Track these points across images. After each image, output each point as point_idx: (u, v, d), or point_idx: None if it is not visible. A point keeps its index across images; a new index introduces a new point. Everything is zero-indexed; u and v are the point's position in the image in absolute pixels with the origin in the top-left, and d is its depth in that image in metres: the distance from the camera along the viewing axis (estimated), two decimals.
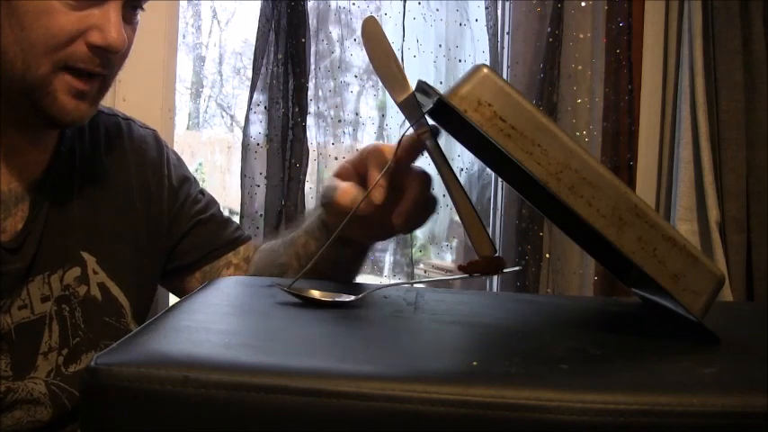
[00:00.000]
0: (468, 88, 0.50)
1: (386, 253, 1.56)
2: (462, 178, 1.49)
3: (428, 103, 0.61)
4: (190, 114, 1.66)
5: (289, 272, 0.81)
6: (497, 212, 1.52)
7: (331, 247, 0.76)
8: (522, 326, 0.58)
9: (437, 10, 1.47)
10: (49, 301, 0.81)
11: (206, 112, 1.67)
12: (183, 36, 1.49)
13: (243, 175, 1.41)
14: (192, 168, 1.01)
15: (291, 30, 1.40)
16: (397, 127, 1.51)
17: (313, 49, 1.43)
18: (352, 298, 0.59)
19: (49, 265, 0.82)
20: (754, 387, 0.40)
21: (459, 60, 1.48)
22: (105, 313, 0.85)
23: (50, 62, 0.73)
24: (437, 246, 1.60)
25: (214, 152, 1.69)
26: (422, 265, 1.59)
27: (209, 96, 1.65)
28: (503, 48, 1.49)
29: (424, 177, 0.67)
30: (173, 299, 1.07)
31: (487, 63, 1.42)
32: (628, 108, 1.52)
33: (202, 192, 0.98)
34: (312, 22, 1.43)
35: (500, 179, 1.43)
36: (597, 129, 1.48)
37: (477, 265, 0.58)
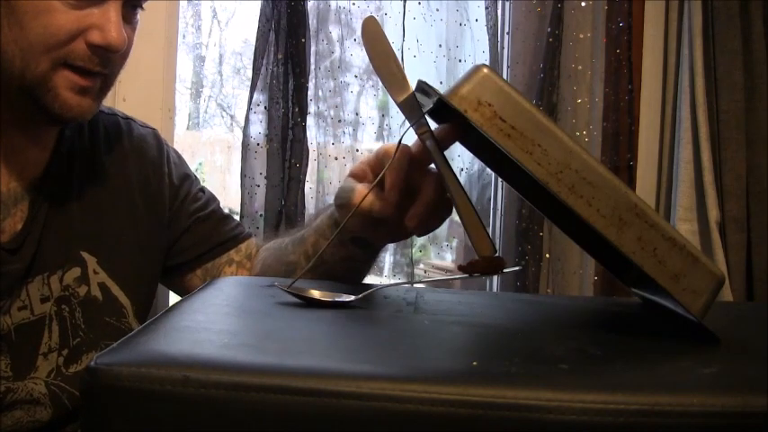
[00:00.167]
0: (468, 88, 0.50)
1: (386, 253, 1.56)
2: (462, 178, 1.49)
3: (428, 103, 0.61)
4: (190, 114, 1.66)
5: (297, 271, 0.81)
6: (497, 212, 1.52)
7: (343, 246, 0.76)
8: (522, 326, 0.58)
9: (437, 10, 1.47)
10: (48, 302, 0.81)
11: (206, 112, 1.67)
12: (183, 36, 1.49)
13: (243, 175, 1.41)
14: (192, 168, 1.01)
15: (291, 30, 1.40)
16: (397, 127, 1.51)
17: (313, 49, 1.43)
18: (352, 298, 0.59)
19: (49, 266, 0.82)
20: (754, 387, 0.40)
21: (460, 60, 1.48)
22: (106, 313, 0.85)
23: (49, 60, 0.73)
24: (437, 246, 1.60)
25: (214, 152, 1.69)
26: (422, 265, 1.59)
27: (209, 96, 1.65)
28: (503, 48, 1.49)
29: (440, 180, 0.67)
30: (173, 298, 1.07)
31: (487, 63, 1.42)
32: (628, 108, 1.52)
33: (203, 189, 0.98)
34: (312, 22, 1.43)
35: (500, 179, 1.43)
36: (597, 129, 1.48)
37: (477, 265, 0.58)
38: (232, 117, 1.65)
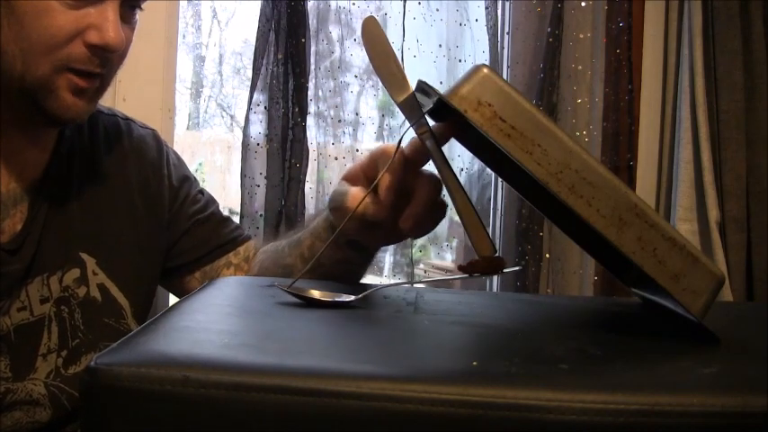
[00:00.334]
0: (468, 88, 0.50)
1: (386, 253, 1.56)
2: (462, 178, 1.49)
3: (428, 103, 0.61)
4: (190, 114, 1.66)
5: (293, 273, 0.81)
6: (497, 212, 1.52)
7: (339, 249, 0.76)
8: (522, 326, 0.58)
9: (437, 10, 1.47)
10: (48, 303, 0.81)
11: (206, 112, 1.67)
12: (183, 36, 1.49)
13: (243, 175, 1.41)
14: (192, 168, 1.01)
15: (291, 30, 1.40)
16: (397, 127, 1.51)
17: (313, 49, 1.43)
18: (352, 298, 0.59)
19: (48, 267, 0.82)
20: (754, 387, 0.40)
21: (460, 60, 1.48)
22: (105, 314, 0.85)
23: (50, 63, 0.73)
24: (437, 246, 1.60)
25: (214, 152, 1.69)
26: (422, 265, 1.59)
27: (209, 96, 1.65)
28: (503, 48, 1.49)
29: (434, 181, 0.67)
30: (173, 299, 1.07)
31: (487, 63, 1.42)
32: (628, 108, 1.52)
33: (202, 191, 0.98)
34: (312, 22, 1.43)
35: (500, 179, 1.43)
36: (597, 129, 1.48)
37: (477, 265, 0.58)
38: (232, 117, 1.65)
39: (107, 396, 0.38)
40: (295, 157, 1.41)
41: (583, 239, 0.64)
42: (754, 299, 1.40)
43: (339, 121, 1.47)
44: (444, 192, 0.67)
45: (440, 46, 1.48)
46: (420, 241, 1.55)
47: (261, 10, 1.39)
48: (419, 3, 1.45)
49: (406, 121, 0.63)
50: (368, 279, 0.84)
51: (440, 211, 0.69)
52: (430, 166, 0.68)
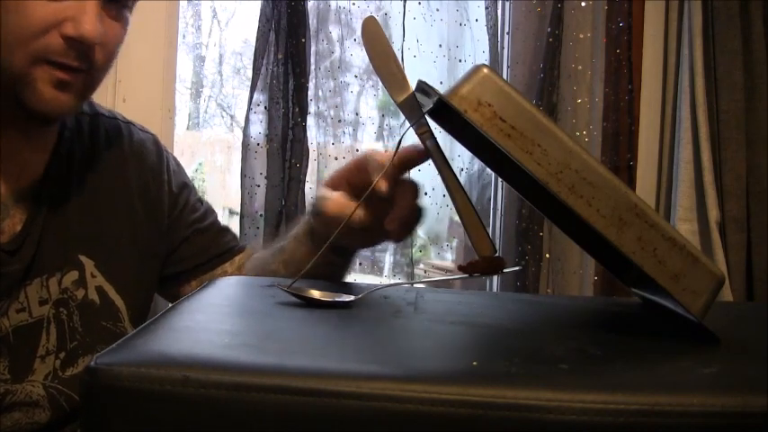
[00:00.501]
0: (468, 88, 0.50)
1: (386, 253, 1.56)
2: (462, 178, 1.49)
3: (428, 103, 0.61)
4: (190, 114, 1.66)
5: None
6: (497, 212, 1.52)
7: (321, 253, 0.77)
8: (522, 326, 0.58)
9: (437, 10, 1.47)
10: (47, 305, 0.81)
11: (206, 112, 1.67)
12: (183, 36, 1.49)
13: (243, 175, 1.41)
14: (192, 168, 1.01)
15: (291, 30, 1.40)
16: (397, 127, 1.51)
17: (313, 49, 1.43)
18: (352, 298, 0.59)
19: (48, 268, 0.81)
20: (754, 387, 0.40)
21: (460, 60, 1.48)
22: (103, 317, 0.85)
23: (27, 54, 0.72)
24: (437, 246, 1.60)
25: (214, 152, 1.69)
26: (422, 265, 1.59)
27: (209, 96, 1.65)
28: (503, 48, 1.49)
29: (414, 186, 0.69)
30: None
31: (487, 63, 1.42)
32: (628, 108, 1.52)
33: (201, 200, 0.98)
34: (312, 22, 1.43)
35: (500, 179, 1.43)
36: (597, 129, 1.48)
37: (477, 265, 0.58)
38: (232, 117, 1.65)
39: (107, 396, 0.38)
40: (295, 157, 1.41)
41: (583, 239, 0.64)
42: (754, 299, 1.40)
43: (339, 121, 1.47)
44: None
45: (440, 46, 1.48)
46: (420, 241, 1.55)
47: (261, 10, 1.39)
48: (419, 3, 1.45)
49: (407, 121, 0.63)
50: (368, 279, 0.85)
51: (419, 215, 0.70)
52: (424, 165, 0.68)
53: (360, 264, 1.52)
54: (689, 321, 0.51)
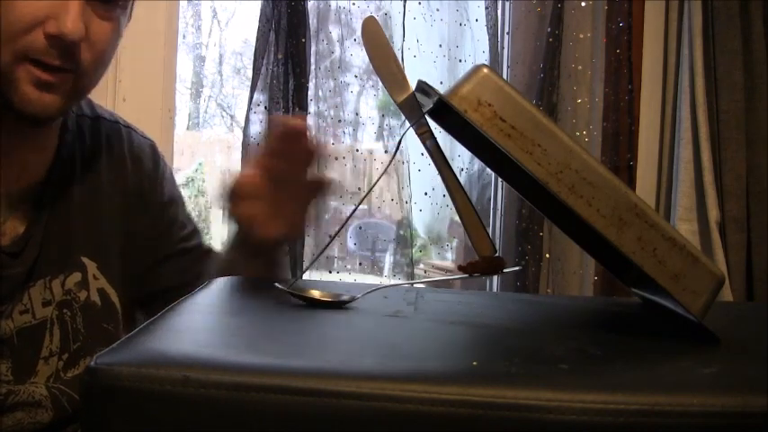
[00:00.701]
0: (468, 88, 0.50)
1: (386, 253, 1.56)
2: (462, 178, 1.49)
3: (428, 103, 0.61)
4: (190, 114, 1.66)
5: None
6: (497, 212, 1.52)
7: (236, 251, 0.84)
8: (522, 326, 0.58)
9: (437, 10, 1.47)
10: (50, 306, 0.81)
11: (206, 112, 1.67)
12: (183, 36, 1.50)
13: None
14: (192, 168, 1.01)
15: (291, 30, 1.40)
16: (397, 127, 1.51)
17: (313, 49, 1.43)
18: (353, 298, 0.59)
19: (50, 270, 0.81)
20: (754, 387, 0.40)
21: (460, 60, 1.49)
22: (104, 319, 0.85)
23: (11, 53, 0.71)
24: (437, 246, 1.60)
25: (214, 152, 1.69)
26: (422, 265, 1.60)
27: (209, 96, 1.65)
28: (503, 48, 1.49)
29: (327, 185, 0.76)
30: None
31: (487, 63, 1.42)
32: (628, 108, 1.52)
33: (189, 217, 0.97)
34: (312, 22, 1.43)
35: (500, 179, 1.43)
36: (597, 129, 1.48)
37: (477, 265, 0.58)
38: (232, 117, 1.65)
39: (107, 396, 0.38)
40: None
41: (583, 239, 0.64)
42: (754, 299, 1.40)
43: (339, 121, 1.47)
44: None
45: (440, 46, 1.48)
46: (420, 241, 1.55)
47: (261, 10, 1.39)
48: (419, 3, 1.45)
49: (407, 121, 0.63)
50: (368, 279, 0.85)
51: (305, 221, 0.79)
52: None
53: (360, 264, 1.52)
54: (689, 321, 0.51)
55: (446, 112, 0.57)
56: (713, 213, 1.40)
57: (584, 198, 0.49)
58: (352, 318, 0.55)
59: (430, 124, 0.63)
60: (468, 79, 0.51)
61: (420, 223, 1.54)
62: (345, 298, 0.59)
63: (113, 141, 0.90)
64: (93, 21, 0.74)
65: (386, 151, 1.51)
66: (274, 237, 0.80)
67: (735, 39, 1.41)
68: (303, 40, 1.41)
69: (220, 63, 1.63)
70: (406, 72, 0.64)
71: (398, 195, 1.45)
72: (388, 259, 1.56)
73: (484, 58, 1.48)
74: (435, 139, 0.62)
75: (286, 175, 0.75)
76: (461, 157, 1.49)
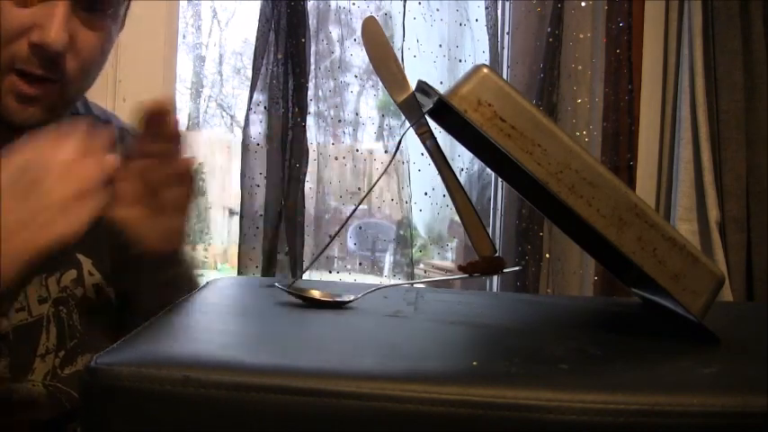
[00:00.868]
0: (468, 88, 0.50)
1: (386, 253, 1.56)
2: (462, 178, 1.49)
3: (428, 103, 0.61)
4: (190, 114, 1.66)
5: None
6: (497, 212, 1.52)
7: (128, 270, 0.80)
8: (522, 326, 0.58)
9: (437, 10, 1.47)
10: (46, 303, 0.81)
11: (206, 112, 1.67)
12: (183, 36, 1.49)
13: (243, 175, 1.41)
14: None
15: (291, 30, 1.40)
16: (397, 127, 1.51)
17: (313, 49, 1.43)
18: (352, 298, 0.59)
19: (46, 267, 0.81)
20: (754, 387, 0.40)
21: (460, 60, 1.48)
22: (100, 316, 0.85)
23: None
24: (437, 246, 1.60)
25: (214, 152, 1.69)
26: (422, 265, 1.60)
27: (209, 96, 1.65)
28: (503, 48, 1.49)
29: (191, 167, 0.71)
30: None
31: (487, 63, 1.42)
32: (628, 108, 1.52)
33: None
34: (312, 22, 1.43)
35: (500, 179, 1.43)
36: (597, 129, 1.48)
37: (477, 265, 0.58)
38: (232, 117, 1.65)
39: (107, 396, 0.38)
40: (295, 157, 1.41)
41: (583, 239, 0.64)
42: (754, 299, 1.40)
43: (339, 121, 1.47)
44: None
45: (440, 46, 1.48)
46: (420, 241, 1.55)
47: (261, 10, 1.39)
48: (419, 3, 1.45)
49: (407, 121, 0.63)
50: (368, 279, 0.84)
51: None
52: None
53: (360, 264, 1.52)
54: (689, 321, 0.51)
55: (446, 112, 0.57)
56: (713, 213, 1.40)
57: (585, 198, 0.49)
58: (352, 318, 0.55)
59: (430, 124, 0.63)
60: (468, 79, 0.51)
61: (420, 223, 1.54)
62: (345, 298, 0.59)
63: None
64: (79, 30, 0.73)
65: (386, 151, 1.51)
66: (157, 245, 0.75)
67: (735, 39, 1.41)
68: (303, 40, 1.40)
69: (220, 63, 1.63)
70: (406, 72, 0.64)
71: (398, 195, 1.45)
72: (388, 259, 1.56)
73: (484, 58, 1.48)
74: (435, 139, 0.62)
75: (158, 172, 0.70)
76: (461, 157, 1.49)
